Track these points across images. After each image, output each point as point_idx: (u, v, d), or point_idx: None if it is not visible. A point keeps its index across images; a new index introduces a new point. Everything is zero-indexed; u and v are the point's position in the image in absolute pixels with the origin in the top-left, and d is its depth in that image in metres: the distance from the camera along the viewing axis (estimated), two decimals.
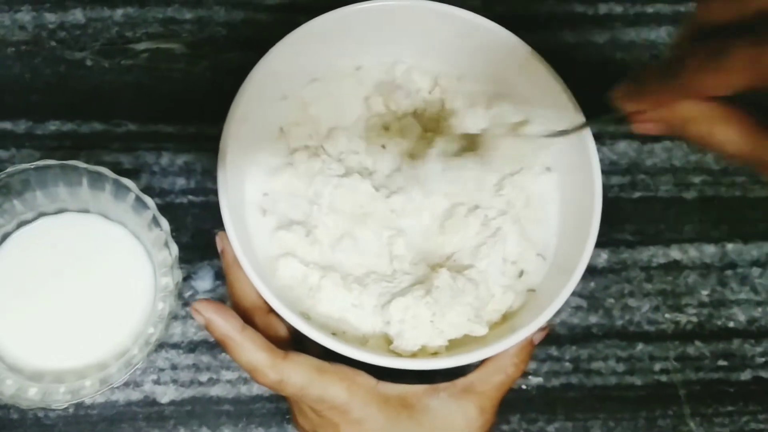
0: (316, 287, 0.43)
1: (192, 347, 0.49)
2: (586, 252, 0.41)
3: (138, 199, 0.43)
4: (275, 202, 0.45)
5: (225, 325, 0.40)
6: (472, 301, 0.42)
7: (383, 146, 0.46)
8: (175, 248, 0.43)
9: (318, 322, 0.43)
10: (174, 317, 0.46)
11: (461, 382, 0.42)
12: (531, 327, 0.40)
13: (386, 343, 0.43)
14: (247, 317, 0.42)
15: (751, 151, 0.30)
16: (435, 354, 0.42)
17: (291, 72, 0.45)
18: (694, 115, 0.31)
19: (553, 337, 0.51)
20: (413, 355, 0.42)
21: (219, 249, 0.43)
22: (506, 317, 0.44)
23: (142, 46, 0.52)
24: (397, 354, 0.42)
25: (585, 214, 0.42)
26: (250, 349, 0.39)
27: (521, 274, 0.45)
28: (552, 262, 0.44)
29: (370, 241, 0.44)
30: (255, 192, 0.45)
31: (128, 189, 0.43)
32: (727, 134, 0.30)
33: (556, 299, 0.41)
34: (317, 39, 0.44)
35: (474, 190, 0.44)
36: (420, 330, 0.42)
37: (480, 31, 0.45)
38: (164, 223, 0.43)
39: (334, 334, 0.43)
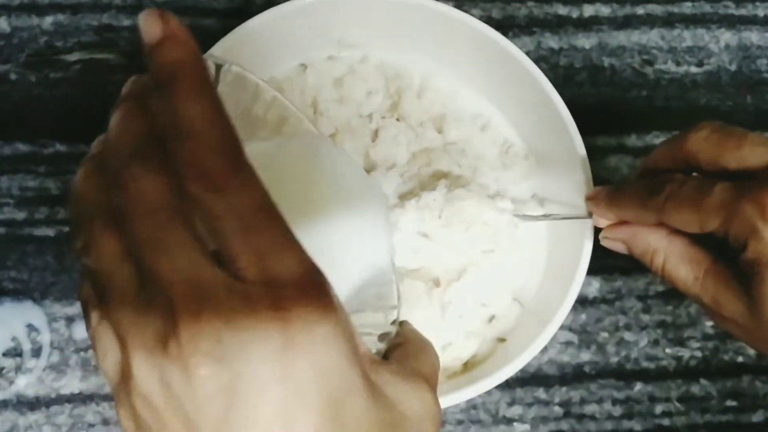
0: None
1: None
2: (567, 300, 0.36)
3: None
4: None
5: None
6: None
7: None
8: None
9: None
10: None
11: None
12: (493, 379, 0.35)
13: None
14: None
15: (697, 294, 0.34)
16: None
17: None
18: (659, 246, 0.34)
19: (540, 377, 0.45)
20: None
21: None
22: (468, 366, 0.39)
23: (73, 57, 0.47)
24: None
25: (573, 257, 0.37)
26: None
27: (491, 319, 0.39)
28: (529, 308, 0.39)
29: None
30: None
31: None
32: (681, 273, 0.34)
33: (527, 350, 0.36)
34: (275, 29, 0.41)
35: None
36: None
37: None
38: None
39: None
